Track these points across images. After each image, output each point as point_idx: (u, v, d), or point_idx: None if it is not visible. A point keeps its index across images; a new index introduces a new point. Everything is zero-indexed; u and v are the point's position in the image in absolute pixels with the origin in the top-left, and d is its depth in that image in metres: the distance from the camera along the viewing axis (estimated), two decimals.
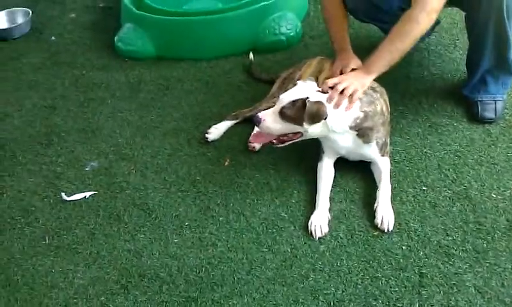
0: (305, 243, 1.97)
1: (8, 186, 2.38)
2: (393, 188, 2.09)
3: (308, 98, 1.97)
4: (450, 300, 1.74)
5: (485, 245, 1.89)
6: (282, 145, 2.09)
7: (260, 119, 2.02)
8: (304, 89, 2.05)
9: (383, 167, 2.13)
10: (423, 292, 1.77)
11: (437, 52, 2.82)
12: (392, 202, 2.04)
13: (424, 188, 2.12)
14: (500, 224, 1.95)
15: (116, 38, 3.15)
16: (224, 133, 2.47)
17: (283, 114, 1.99)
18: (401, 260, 1.87)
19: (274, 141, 2.08)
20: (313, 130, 2.02)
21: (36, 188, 2.34)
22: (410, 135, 2.35)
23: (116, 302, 1.85)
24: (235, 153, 2.38)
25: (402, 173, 2.19)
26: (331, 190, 2.13)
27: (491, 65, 2.33)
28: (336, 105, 2.01)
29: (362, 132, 2.07)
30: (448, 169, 2.18)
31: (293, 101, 1.99)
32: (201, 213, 2.14)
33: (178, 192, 2.23)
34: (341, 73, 2.19)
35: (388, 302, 1.75)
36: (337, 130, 2.05)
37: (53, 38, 3.43)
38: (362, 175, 2.19)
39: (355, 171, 2.21)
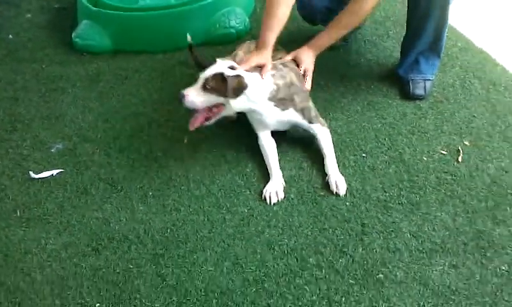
0: (260, 204, 2.18)
1: None
2: (336, 156, 2.33)
3: (223, 72, 2.18)
4: (389, 243, 1.98)
5: (418, 198, 2.15)
6: (210, 122, 2.27)
7: (184, 94, 2.20)
8: (222, 65, 2.25)
9: (322, 137, 2.38)
10: (365, 239, 2.01)
11: (372, 41, 3.11)
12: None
13: (363, 155, 2.37)
14: (430, 181, 2.22)
15: (73, 34, 3.28)
16: (183, 116, 2.64)
17: (205, 87, 2.19)
18: (345, 214, 2.11)
19: (200, 119, 2.25)
20: (235, 103, 2.23)
21: (4, 169, 2.47)
22: (350, 112, 2.61)
23: (89, 262, 2.01)
24: (193, 134, 2.52)
25: (344, 143, 2.44)
26: (280, 160, 2.36)
27: (425, 47, 2.62)
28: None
29: (278, 102, 2.30)
30: (384, 138, 2.44)
31: (213, 74, 2.19)
32: (163, 183, 2.32)
33: (142, 167, 2.41)
34: None
35: (335, 248, 1.99)
36: (256, 101, 2.26)
37: (10, 36, 3.54)
38: (308, 147, 2.43)
39: (301, 144, 2.45)
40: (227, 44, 3.18)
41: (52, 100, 2.87)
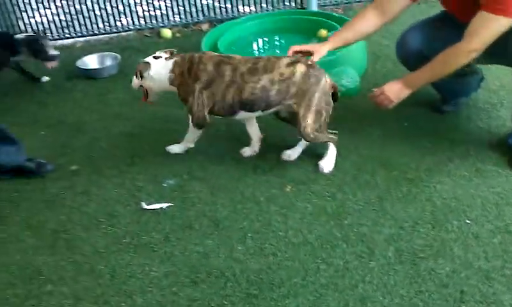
0: (356, 259, 2.19)
1: (95, 194, 2.72)
2: (439, 219, 2.32)
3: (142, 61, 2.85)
4: None
5: None
6: (148, 100, 2.94)
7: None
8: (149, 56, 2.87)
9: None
10: None
11: (484, 109, 3.07)
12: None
13: (468, 221, 2.32)
14: None
15: None
16: (288, 165, 2.77)
17: (136, 74, 2.88)
18: (444, 279, 2.06)
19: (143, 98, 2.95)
20: (146, 82, 2.84)
21: (120, 198, 2.67)
22: (457, 177, 2.57)
23: (186, 293, 2.10)
24: (297, 183, 2.65)
25: (448, 207, 2.40)
26: (380, 217, 2.37)
27: None
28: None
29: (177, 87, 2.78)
30: (491, 207, 2.37)
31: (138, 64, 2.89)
32: (263, 227, 2.39)
33: (244, 209, 2.51)
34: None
35: None
36: (161, 84, 2.81)
37: None
38: (410, 206, 2.42)
39: (403, 203, 2.44)
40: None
41: (167, 139, 3.05)
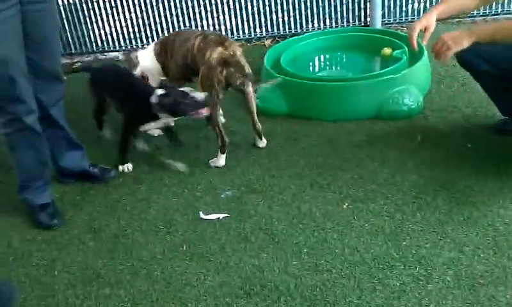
0: (413, 281, 2.14)
1: (155, 202, 2.80)
2: (502, 246, 2.24)
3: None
4: None
5: None
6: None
7: None
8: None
9: None
10: None
11: None
12: None
13: None
14: None
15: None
16: (346, 182, 2.75)
17: None
18: None
19: None
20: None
21: (178, 207, 2.73)
22: None
23: (240, 304, 2.12)
24: (354, 200, 2.62)
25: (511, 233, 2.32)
26: (440, 240, 2.31)
27: None
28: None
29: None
30: None
31: None
32: (318, 244, 2.38)
33: (300, 224, 2.50)
34: None
35: None
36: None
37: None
38: (472, 229, 2.35)
39: (465, 226, 2.37)
40: (397, 120, 3.23)
41: (227, 152, 3.10)
